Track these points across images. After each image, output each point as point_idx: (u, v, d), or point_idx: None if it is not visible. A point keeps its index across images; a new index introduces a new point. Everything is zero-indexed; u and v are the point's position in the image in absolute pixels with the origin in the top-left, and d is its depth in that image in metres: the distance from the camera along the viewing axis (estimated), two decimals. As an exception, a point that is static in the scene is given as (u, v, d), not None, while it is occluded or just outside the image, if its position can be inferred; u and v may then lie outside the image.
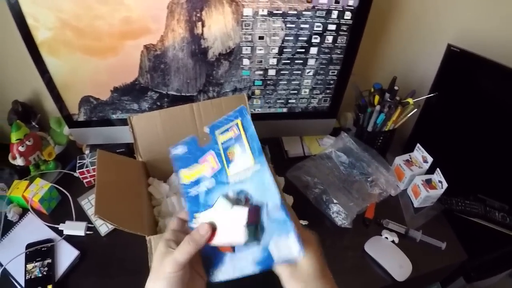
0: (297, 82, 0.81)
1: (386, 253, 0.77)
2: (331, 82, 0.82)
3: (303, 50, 0.75)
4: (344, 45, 0.75)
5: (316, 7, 0.69)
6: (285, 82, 0.81)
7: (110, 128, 0.83)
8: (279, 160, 0.95)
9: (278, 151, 0.98)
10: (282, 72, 0.79)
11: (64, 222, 0.77)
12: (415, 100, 0.90)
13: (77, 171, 0.84)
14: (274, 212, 0.39)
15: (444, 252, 0.79)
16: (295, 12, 0.69)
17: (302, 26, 0.71)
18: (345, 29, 0.73)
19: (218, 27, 0.69)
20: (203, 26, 0.69)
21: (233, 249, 0.42)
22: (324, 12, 0.69)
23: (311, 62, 0.77)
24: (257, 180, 0.41)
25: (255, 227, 0.40)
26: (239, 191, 0.42)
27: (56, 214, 0.81)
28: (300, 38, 0.73)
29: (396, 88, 0.90)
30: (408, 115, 0.92)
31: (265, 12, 0.68)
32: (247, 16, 0.68)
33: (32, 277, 0.69)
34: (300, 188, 0.88)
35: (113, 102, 0.79)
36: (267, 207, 0.40)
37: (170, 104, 0.79)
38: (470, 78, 0.87)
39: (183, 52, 0.72)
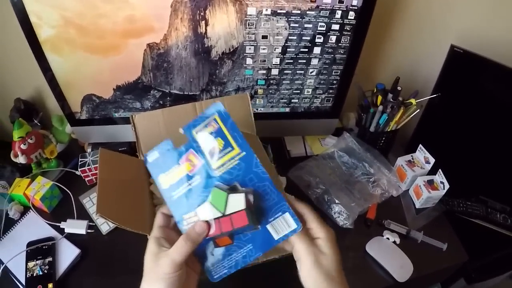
0: (300, 81, 0.81)
1: (387, 253, 0.77)
2: (334, 82, 0.82)
3: (307, 49, 0.75)
4: (348, 45, 0.75)
5: (320, 7, 0.68)
6: (288, 82, 0.81)
7: (112, 126, 0.83)
8: (281, 160, 0.95)
9: (280, 151, 0.98)
10: (285, 71, 0.78)
11: (65, 221, 0.76)
12: (418, 100, 0.90)
13: (79, 169, 0.84)
14: (267, 194, 0.42)
15: (445, 253, 0.79)
16: (299, 12, 0.69)
17: (305, 25, 0.71)
18: (348, 29, 0.72)
19: (221, 26, 0.69)
20: (206, 25, 0.68)
21: (232, 240, 0.42)
22: (328, 12, 0.69)
23: (314, 62, 0.77)
24: (245, 165, 0.42)
25: (251, 211, 0.41)
26: (229, 179, 0.43)
27: (57, 212, 0.81)
28: (303, 38, 0.73)
29: (399, 88, 0.90)
30: (411, 116, 0.91)
31: (269, 12, 0.68)
32: (250, 15, 0.68)
33: (33, 275, 0.69)
34: (302, 188, 0.88)
35: (115, 101, 0.79)
36: (259, 190, 0.42)
37: (173, 103, 0.79)
38: (473, 79, 0.87)
39: (186, 51, 0.72)
